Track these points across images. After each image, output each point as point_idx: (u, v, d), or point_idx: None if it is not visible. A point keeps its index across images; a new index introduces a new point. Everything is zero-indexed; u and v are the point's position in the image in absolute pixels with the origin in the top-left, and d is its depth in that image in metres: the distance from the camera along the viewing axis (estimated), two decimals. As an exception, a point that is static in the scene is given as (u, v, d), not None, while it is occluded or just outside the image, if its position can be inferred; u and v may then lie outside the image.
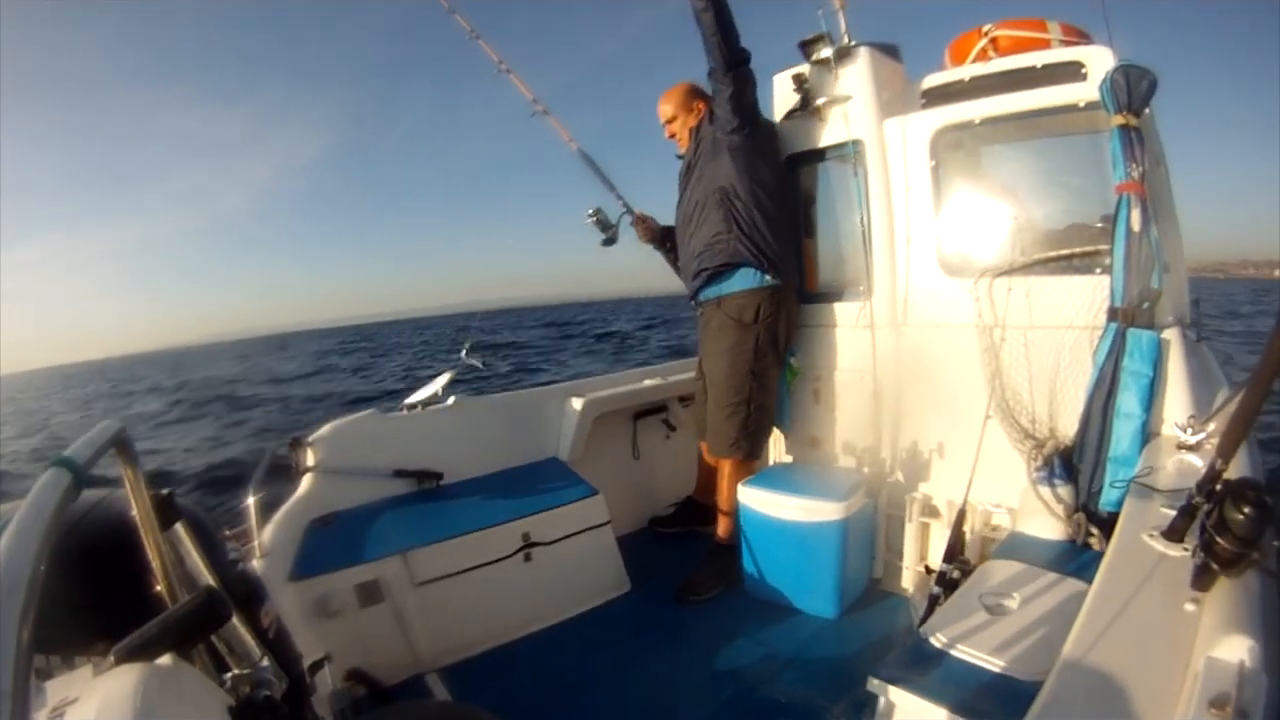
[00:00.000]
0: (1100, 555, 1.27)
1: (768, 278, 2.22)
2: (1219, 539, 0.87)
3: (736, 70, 2.12)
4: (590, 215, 2.57)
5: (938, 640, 1.30)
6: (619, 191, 2.63)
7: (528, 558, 2.14)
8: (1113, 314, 1.71)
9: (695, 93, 2.36)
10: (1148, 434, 1.63)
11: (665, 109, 2.40)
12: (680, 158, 2.42)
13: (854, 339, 2.34)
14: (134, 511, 0.88)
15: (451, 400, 2.61)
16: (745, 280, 2.24)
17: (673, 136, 2.42)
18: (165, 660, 0.71)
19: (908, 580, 2.22)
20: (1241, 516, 0.84)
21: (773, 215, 2.24)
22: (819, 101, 2.29)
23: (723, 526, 2.41)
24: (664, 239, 2.60)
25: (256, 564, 1.70)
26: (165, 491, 0.94)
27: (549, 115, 2.64)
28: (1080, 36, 2.05)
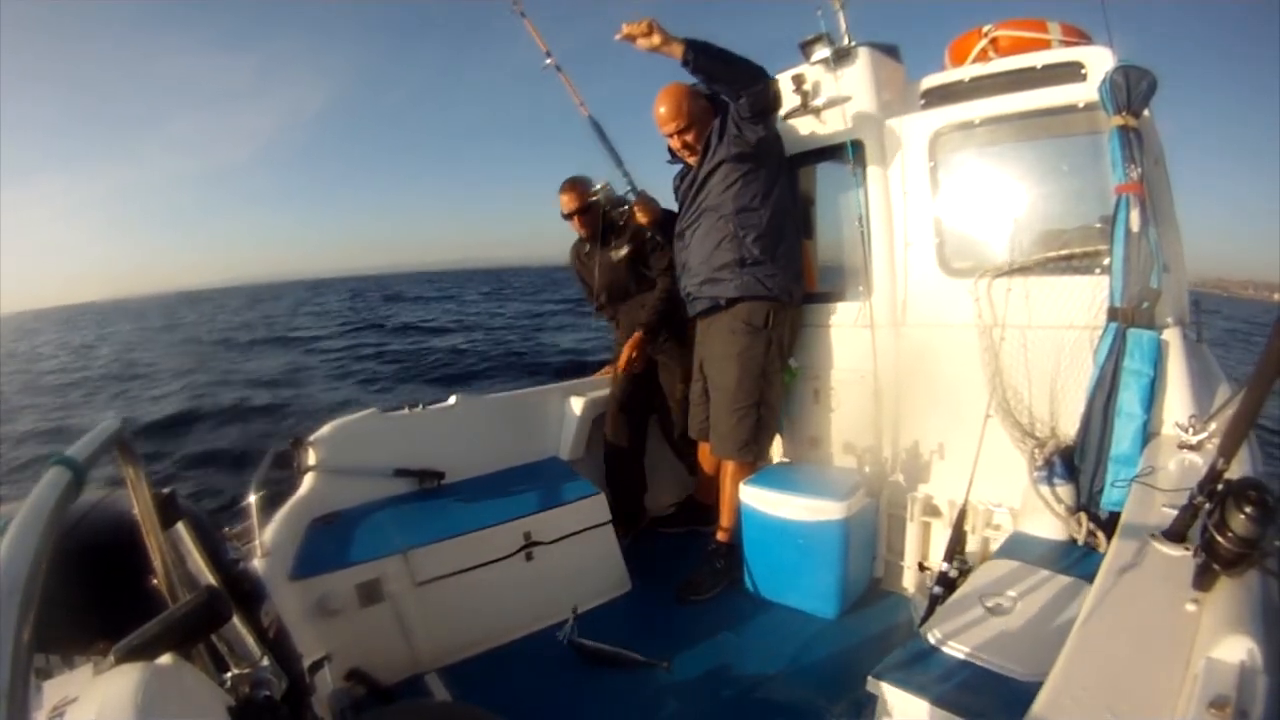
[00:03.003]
0: (1101, 555, 1.27)
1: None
2: (1220, 539, 0.87)
3: (767, 104, 2.05)
4: (597, 191, 2.51)
5: (938, 640, 1.30)
6: (626, 167, 2.48)
7: (529, 557, 2.14)
8: (1113, 314, 1.71)
9: (706, 100, 2.22)
10: (1149, 434, 1.63)
11: (678, 119, 2.17)
12: (675, 161, 2.36)
13: (854, 339, 2.33)
14: (135, 511, 0.88)
15: (453, 399, 2.61)
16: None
17: (685, 147, 2.23)
18: (165, 660, 0.71)
19: (908, 580, 2.22)
20: (1243, 516, 0.85)
21: (782, 236, 2.22)
22: (818, 102, 2.29)
23: (724, 526, 2.41)
24: (662, 224, 2.53)
25: (257, 563, 1.70)
26: (166, 490, 0.94)
27: (561, 72, 2.43)
28: (1080, 37, 2.05)
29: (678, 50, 1.89)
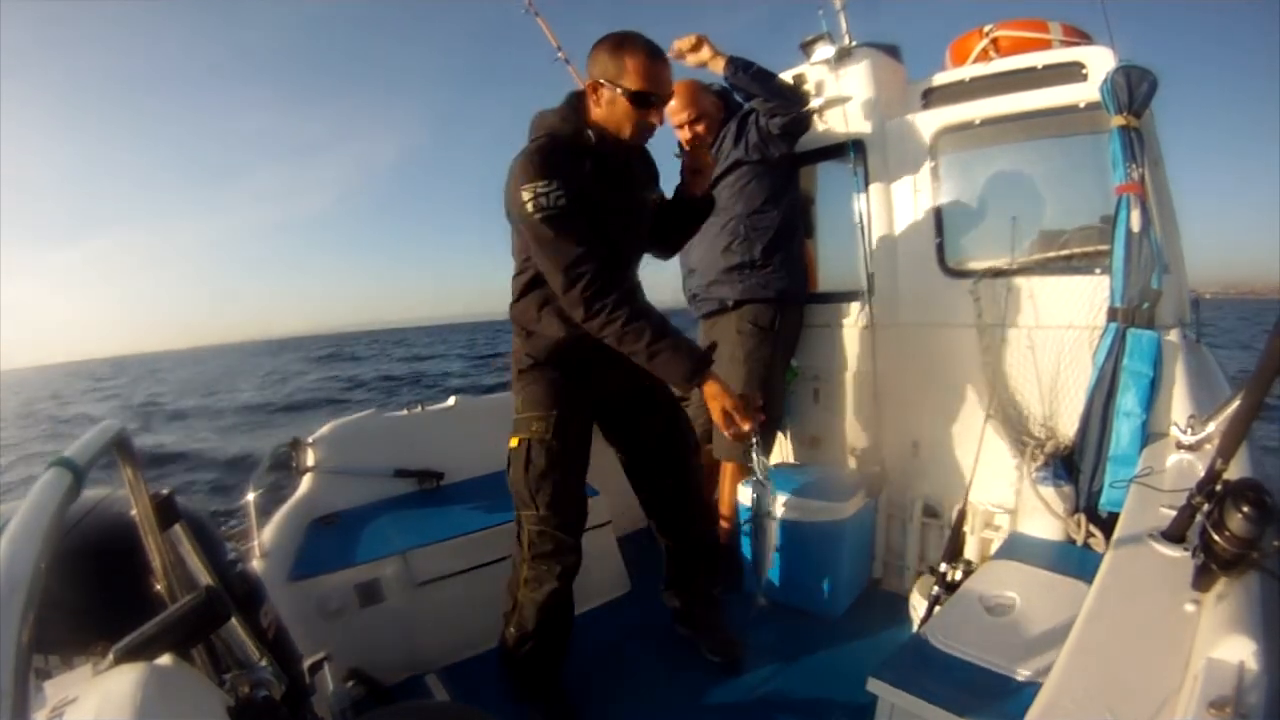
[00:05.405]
0: (1100, 556, 1.27)
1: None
2: (1218, 539, 0.87)
3: (799, 129, 2.09)
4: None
5: (938, 641, 1.30)
6: None
7: (528, 558, 2.14)
8: (1113, 314, 1.71)
9: (717, 95, 2.23)
10: (1148, 434, 1.63)
11: (689, 110, 2.15)
12: (683, 155, 2.37)
13: (854, 339, 2.33)
14: (134, 512, 0.88)
15: (452, 400, 2.61)
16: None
17: (695, 139, 2.17)
18: (164, 660, 0.71)
19: (908, 581, 2.22)
20: (1240, 517, 0.84)
21: (790, 238, 2.22)
22: (819, 102, 2.29)
23: (723, 526, 2.40)
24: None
25: (256, 564, 1.70)
26: (165, 492, 0.94)
27: (570, 65, 2.39)
28: (1081, 37, 2.05)
29: (721, 65, 2.02)
